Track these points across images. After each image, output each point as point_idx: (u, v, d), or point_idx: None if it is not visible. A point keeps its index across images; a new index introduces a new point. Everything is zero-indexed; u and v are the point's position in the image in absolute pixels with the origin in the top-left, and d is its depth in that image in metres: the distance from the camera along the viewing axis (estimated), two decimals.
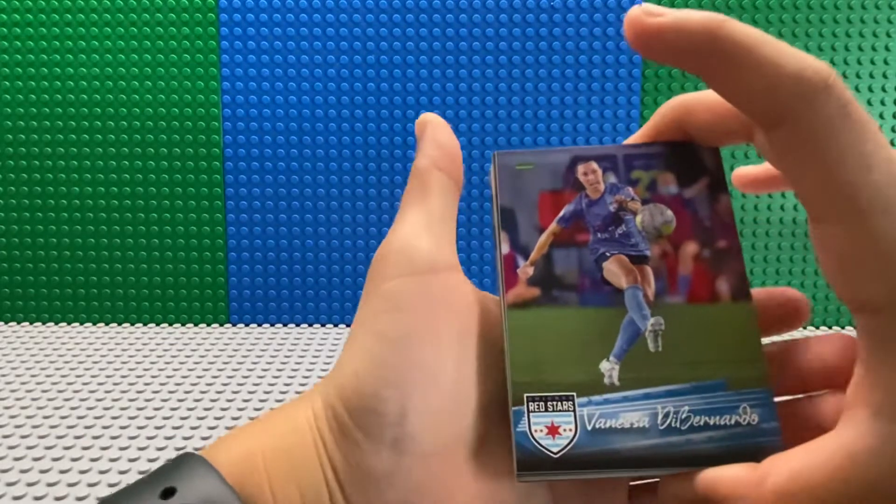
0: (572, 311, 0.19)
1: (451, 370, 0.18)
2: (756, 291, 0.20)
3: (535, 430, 0.18)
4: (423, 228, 0.19)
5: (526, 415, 0.18)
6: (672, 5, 0.82)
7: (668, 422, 0.18)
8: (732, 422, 0.18)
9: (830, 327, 0.88)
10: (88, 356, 0.76)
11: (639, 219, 0.20)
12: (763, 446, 0.17)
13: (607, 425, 0.18)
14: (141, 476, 0.50)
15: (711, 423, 0.18)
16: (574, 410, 0.18)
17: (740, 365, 0.18)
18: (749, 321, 0.19)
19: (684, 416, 0.18)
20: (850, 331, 0.87)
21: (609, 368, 0.19)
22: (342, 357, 0.18)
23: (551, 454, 0.18)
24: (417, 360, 0.18)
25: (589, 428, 0.18)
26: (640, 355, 0.19)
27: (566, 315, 0.19)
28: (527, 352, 0.19)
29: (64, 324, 0.87)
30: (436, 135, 0.21)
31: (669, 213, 0.20)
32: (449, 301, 0.19)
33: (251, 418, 0.61)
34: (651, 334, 0.19)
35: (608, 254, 0.20)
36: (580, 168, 0.21)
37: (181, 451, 0.55)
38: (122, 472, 0.52)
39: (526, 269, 0.20)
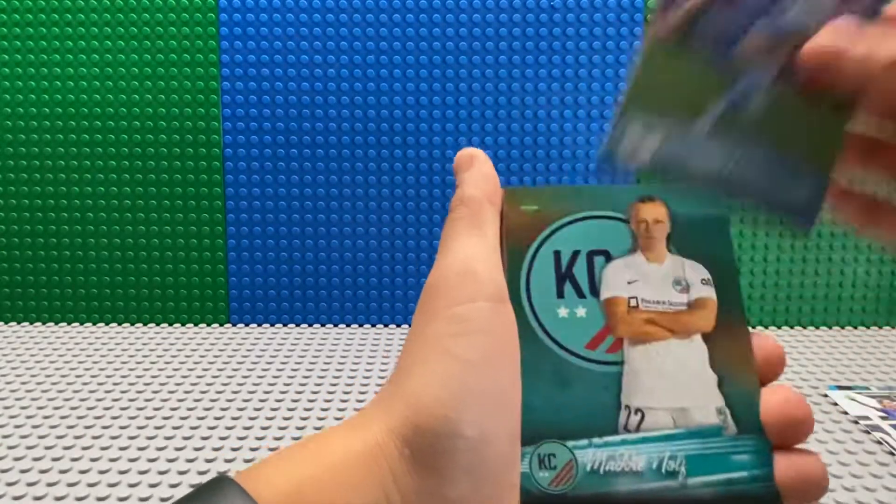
0: (699, 64, 0.21)
1: (519, 396, 0.18)
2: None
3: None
4: (485, 257, 0.19)
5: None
6: None
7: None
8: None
9: (830, 327, 0.88)
10: (88, 356, 0.76)
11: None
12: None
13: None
14: (152, 489, 0.50)
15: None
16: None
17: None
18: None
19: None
20: (849, 330, 0.87)
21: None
22: (409, 380, 0.17)
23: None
24: (497, 384, 0.17)
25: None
26: None
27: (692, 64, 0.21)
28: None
29: (64, 324, 0.87)
30: (484, 169, 0.21)
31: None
32: (514, 329, 0.19)
33: (251, 419, 0.61)
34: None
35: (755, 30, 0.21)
36: None
37: (193, 463, 0.55)
38: (121, 472, 0.52)
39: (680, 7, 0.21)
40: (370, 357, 0.77)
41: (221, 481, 0.16)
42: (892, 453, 0.55)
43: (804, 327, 0.88)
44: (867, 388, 0.68)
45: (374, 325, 0.88)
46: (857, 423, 0.61)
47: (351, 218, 0.86)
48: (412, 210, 0.86)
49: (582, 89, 0.84)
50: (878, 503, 0.49)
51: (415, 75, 0.83)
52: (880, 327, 0.88)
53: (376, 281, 0.87)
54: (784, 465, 0.18)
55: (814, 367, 0.75)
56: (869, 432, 0.59)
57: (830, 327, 0.88)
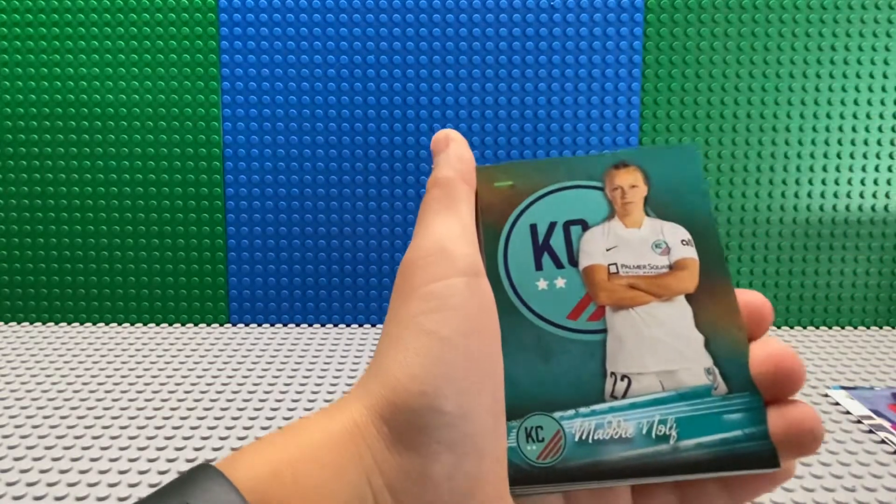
0: None
1: (500, 370, 0.18)
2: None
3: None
4: (458, 234, 0.19)
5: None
6: (685, 5, 0.82)
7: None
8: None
9: (830, 327, 0.88)
10: (88, 356, 0.76)
11: None
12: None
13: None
14: (152, 489, 0.50)
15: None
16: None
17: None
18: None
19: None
20: (849, 330, 0.87)
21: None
22: (385, 360, 0.17)
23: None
24: (474, 358, 0.17)
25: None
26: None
27: None
28: None
29: (64, 324, 0.87)
30: (459, 150, 0.21)
31: None
32: (491, 304, 0.19)
33: (251, 418, 0.61)
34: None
35: None
36: None
37: (193, 463, 0.55)
38: (121, 472, 0.52)
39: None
40: (370, 357, 0.77)
41: (203, 468, 0.16)
42: (893, 453, 0.55)
43: (804, 327, 0.88)
44: (868, 388, 0.68)
45: (373, 325, 0.88)
46: (857, 423, 0.61)
47: (351, 218, 0.86)
48: (412, 210, 0.86)
49: (582, 89, 0.84)
50: (878, 503, 0.49)
51: (415, 75, 0.83)
52: (880, 327, 0.88)
53: (376, 281, 0.87)
54: (777, 419, 0.17)
55: (814, 367, 0.75)
56: (869, 432, 0.59)
57: (830, 327, 0.88)
